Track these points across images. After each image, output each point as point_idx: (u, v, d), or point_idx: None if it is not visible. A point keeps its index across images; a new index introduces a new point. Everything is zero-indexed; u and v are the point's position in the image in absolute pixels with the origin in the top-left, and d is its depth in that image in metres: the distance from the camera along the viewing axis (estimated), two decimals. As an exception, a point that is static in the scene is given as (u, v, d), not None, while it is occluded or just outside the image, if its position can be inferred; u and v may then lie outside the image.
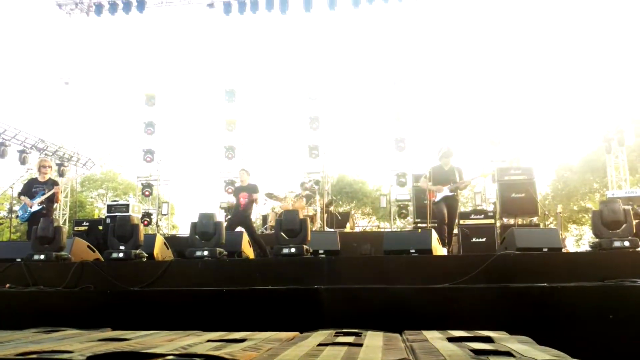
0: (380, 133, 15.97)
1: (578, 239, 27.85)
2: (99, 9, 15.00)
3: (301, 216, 6.61)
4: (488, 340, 2.37)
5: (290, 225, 6.33)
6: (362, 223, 29.04)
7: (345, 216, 13.28)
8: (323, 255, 6.73)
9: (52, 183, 7.88)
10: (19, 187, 8.43)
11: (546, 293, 3.99)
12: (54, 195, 7.77)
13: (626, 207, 6.08)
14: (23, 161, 13.71)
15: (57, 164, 14.38)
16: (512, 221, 10.59)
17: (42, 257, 5.99)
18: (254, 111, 16.23)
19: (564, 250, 7.11)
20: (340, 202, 28.47)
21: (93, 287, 5.18)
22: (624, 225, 5.84)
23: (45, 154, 13.94)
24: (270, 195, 11.68)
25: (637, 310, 3.78)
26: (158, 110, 15.58)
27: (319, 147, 14.83)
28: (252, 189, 9.05)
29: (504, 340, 2.39)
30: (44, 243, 6.15)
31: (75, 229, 11.09)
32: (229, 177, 14.89)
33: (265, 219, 12.85)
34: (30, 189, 7.79)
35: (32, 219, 7.45)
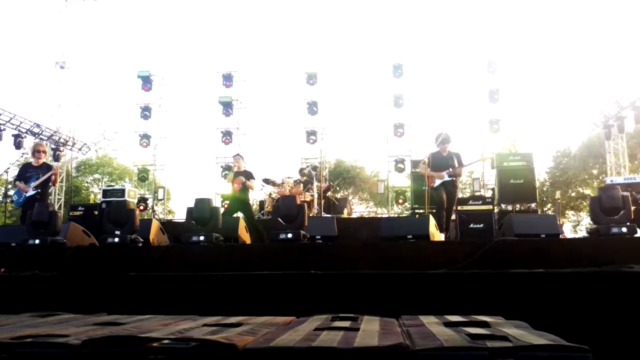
0: (378, 119, 15.94)
1: (575, 225, 27.99)
2: (94, -9, 14.87)
3: (298, 202, 6.60)
4: (484, 325, 2.36)
5: (288, 211, 6.32)
6: (359, 209, 29.13)
7: (343, 202, 13.30)
8: (320, 241, 6.73)
9: (47, 167, 7.82)
10: (13, 172, 8.39)
11: (543, 279, 3.99)
12: (49, 179, 7.72)
13: (625, 193, 6.08)
14: (18, 145, 13.63)
15: (52, 149, 14.31)
16: (510, 207, 10.61)
17: (37, 241, 5.97)
18: (251, 96, 16.15)
19: (561, 236, 7.13)
20: (338, 188, 28.51)
21: (88, 272, 5.17)
22: (622, 212, 5.84)
23: (41, 139, 13.87)
24: (267, 181, 11.66)
25: (633, 296, 3.78)
26: (154, 94, 15.48)
27: (316, 133, 14.78)
28: (247, 176, 9.01)
29: (500, 325, 2.38)
30: (39, 228, 6.13)
31: (71, 213, 11.08)
32: (226, 162, 14.85)
33: (262, 204, 12.85)
34: (24, 173, 7.74)
35: (27, 203, 7.41)
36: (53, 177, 7.78)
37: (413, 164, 12.08)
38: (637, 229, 5.83)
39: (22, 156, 12.00)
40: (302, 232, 6.14)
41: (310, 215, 9.67)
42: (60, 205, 15.15)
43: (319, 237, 6.84)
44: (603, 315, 3.70)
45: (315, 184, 11.37)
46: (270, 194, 11.86)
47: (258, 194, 12.57)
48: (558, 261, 4.67)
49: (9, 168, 8.56)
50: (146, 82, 15.25)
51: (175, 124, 26.03)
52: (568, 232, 23.40)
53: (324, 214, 10.96)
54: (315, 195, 11.15)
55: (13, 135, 13.52)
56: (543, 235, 5.96)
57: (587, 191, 26.64)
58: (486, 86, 14.26)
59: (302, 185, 11.35)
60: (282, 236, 6.04)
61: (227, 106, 15.21)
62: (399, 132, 14.43)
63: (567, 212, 27.32)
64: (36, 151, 7.90)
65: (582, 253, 5.17)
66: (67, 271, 5.26)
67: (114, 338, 2.04)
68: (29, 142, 13.78)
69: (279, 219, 6.28)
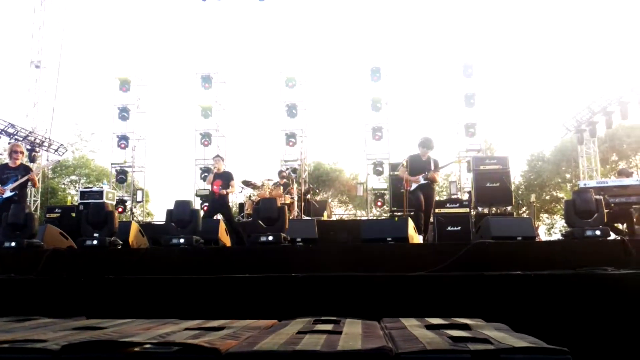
0: (357, 122, 16.04)
1: (550, 228, 28.47)
2: (71, -10, 14.64)
3: (278, 204, 6.60)
4: (465, 327, 2.39)
5: (268, 213, 6.32)
6: (338, 211, 29.20)
7: (322, 204, 13.31)
8: (301, 244, 6.73)
9: (24, 169, 7.66)
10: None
11: (521, 281, 4.06)
12: (26, 181, 7.58)
13: (598, 197, 6.21)
14: (-8, 146, 13.37)
15: (27, 150, 14.02)
16: (486, 210, 10.74)
17: (12, 244, 5.85)
18: (230, 98, 16.10)
19: (537, 239, 7.25)
20: (317, 190, 28.51)
21: (66, 275, 5.08)
22: (595, 215, 5.97)
23: (16, 139, 13.59)
24: (247, 183, 11.61)
25: (607, 298, 3.88)
26: (132, 95, 15.32)
27: (296, 135, 14.79)
28: (227, 177, 8.97)
29: (480, 327, 2.41)
30: (15, 230, 6.01)
31: (47, 216, 10.86)
32: (205, 164, 14.76)
33: (242, 206, 12.79)
34: (1, 175, 7.57)
35: (4, 205, 7.25)
36: (31, 180, 7.64)
37: (391, 166, 12.17)
38: (610, 232, 5.97)
39: (-4, 156, 11.74)
40: (283, 234, 6.14)
41: (291, 217, 9.67)
42: (37, 207, 14.86)
43: (299, 239, 6.85)
44: (580, 317, 3.78)
45: (295, 186, 11.37)
46: (250, 196, 11.80)
47: (237, 197, 12.49)
48: (534, 263, 4.75)
49: (-17, 169, 8.35)
50: (124, 83, 15.10)
51: (154, 126, 25.85)
52: (542, 235, 23.82)
53: (304, 217, 10.95)
54: (295, 198, 11.14)
55: (-14, 136, 13.26)
56: (519, 238, 6.06)
57: (561, 194, 27.15)
58: (462, 90, 14.44)
59: (281, 187, 11.33)
60: (263, 239, 6.03)
61: (206, 109, 15.15)
62: (377, 135, 14.53)
63: (541, 214, 27.79)
64: (13, 152, 7.73)
65: (557, 255, 5.27)
66: (44, 274, 5.18)
67: (94, 343, 2.02)
68: (3, 142, 13.53)
69: (260, 222, 6.27)
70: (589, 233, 5.77)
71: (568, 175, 26.93)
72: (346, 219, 21.09)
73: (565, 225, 6.44)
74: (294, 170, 13.65)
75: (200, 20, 15.99)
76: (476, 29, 14.70)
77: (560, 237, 8.03)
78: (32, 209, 10.70)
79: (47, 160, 14.83)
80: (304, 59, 15.66)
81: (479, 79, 14.57)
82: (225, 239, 7.37)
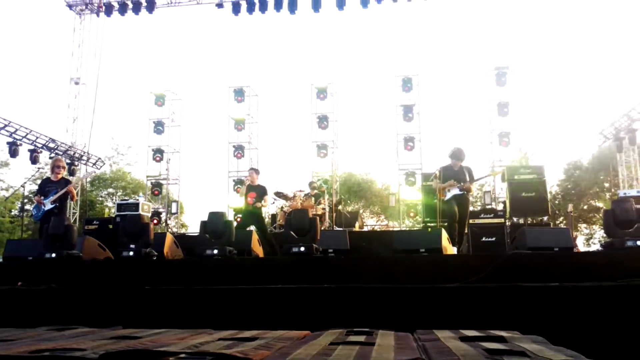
0: (388, 132, 15.95)
1: (588, 238, 27.67)
2: (108, 9, 15.08)
3: (310, 215, 6.62)
4: (501, 339, 2.34)
5: (300, 225, 6.35)
6: (370, 222, 29.04)
7: (354, 215, 13.27)
8: (333, 255, 6.72)
9: (65, 182, 7.93)
10: (29, 186, 8.51)
11: (558, 293, 3.96)
12: (66, 193, 7.82)
13: (638, 206, 6.03)
14: (34, 160, 13.80)
15: (67, 164, 14.46)
16: (522, 220, 10.53)
17: (53, 255, 6.03)
18: (262, 111, 16.25)
19: (575, 249, 7.06)
20: (349, 201, 28.45)
21: (104, 286, 5.20)
22: (636, 225, 5.80)
23: (56, 153, 14.03)
24: (278, 194, 11.69)
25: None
26: (167, 109, 15.64)
27: (327, 147, 14.82)
28: (261, 191, 9.05)
29: (517, 340, 2.36)
30: (55, 241, 6.19)
31: (86, 227, 11.15)
32: (238, 176, 14.92)
33: (274, 217, 12.86)
34: (44, 188, 7.85)
35: (45, 217, 7.49)
36: (69, 193, 7.88)
37: (424, 177, 12.06)
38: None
39: (37, 171, 12.13)
40: (315, 245, 6.15)
41: (322, 228, 9.67)
42: (76, 219, 15.26)
43: (331, 250, 6.84)
44: (620, 330, 3.66)
45: (326, 197, 11.37)
46: (282, 207, 11.86)
47: (270, 208, 12.57)
48: (573, 275, 4.63)
49: (25, 183, 8.66)
50: (159, 97, 15.44)
51: (188, 139, 26.33)
52: (581, 246, 23.18)
53: (335, 228, 10.94)
54: (327, 209, 11.14)
55: (29, 151, 13.70)
56: (557, 249, 5.92)
57: (600, 204, 26.39)
58: (495, 99, 14.23)
59: (313, 198, 11.35)
60: (295, 249, 6.05)
61: (239, 121, 15.35)
62: (409, 145, 14.42)
63: (579, 224, 27.04)
64: (55, 166, 8.03)
65: (596, 266, 5.13)
66: (83, 284, 5.31)
67: (131, 352, 2.05)
68: (44, 157, 13.96)
69: (292, 233, 6.30)
70: (629, 243, 5.60)
71: (607, 184, 26.17)
72: (378, 229, 20.96)
73: (604, 235, 6.25)
74: (325, 182, 13.67)
75: (232, 35, 16.29)
76: (508, 37, 14.54)
77: (600, 248, 7.80)
78: (72, 221, 11.01)
79: (86, 171, 15.24)
80: (335, 71, 15.79)
81: (512, 87, 14.34)
82: (258, 249, 7.42)
